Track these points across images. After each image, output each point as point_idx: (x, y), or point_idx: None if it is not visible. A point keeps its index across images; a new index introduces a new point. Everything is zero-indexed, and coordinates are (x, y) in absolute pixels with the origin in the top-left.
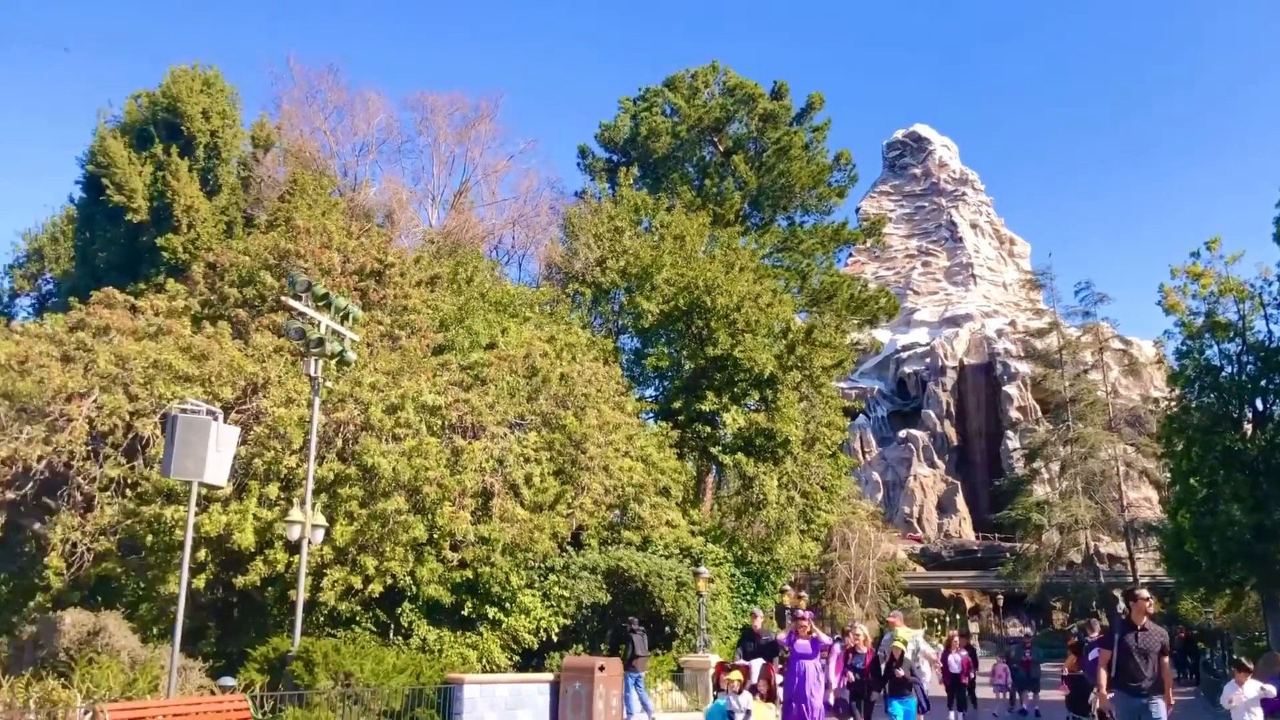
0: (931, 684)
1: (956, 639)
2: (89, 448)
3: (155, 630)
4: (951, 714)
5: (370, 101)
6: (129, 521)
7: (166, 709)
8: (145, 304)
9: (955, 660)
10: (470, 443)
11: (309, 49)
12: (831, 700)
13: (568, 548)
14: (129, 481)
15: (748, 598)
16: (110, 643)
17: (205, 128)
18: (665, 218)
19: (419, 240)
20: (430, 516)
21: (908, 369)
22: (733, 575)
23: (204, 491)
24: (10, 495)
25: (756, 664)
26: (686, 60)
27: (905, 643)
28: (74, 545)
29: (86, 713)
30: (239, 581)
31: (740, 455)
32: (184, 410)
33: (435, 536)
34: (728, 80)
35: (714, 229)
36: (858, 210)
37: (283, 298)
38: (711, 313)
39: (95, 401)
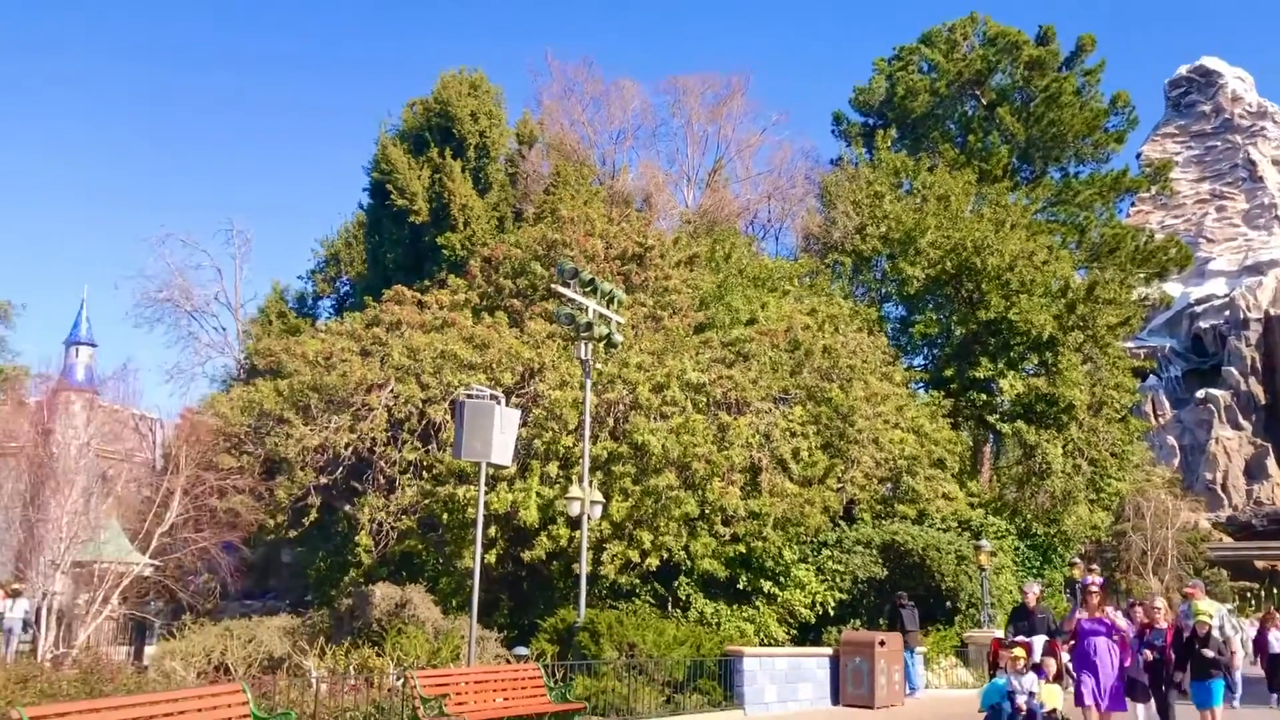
0: (1241, 664)
1: (1277, 615)
2: (388, 434)
3: (454, 603)
4: (1274, 698)
5: (624, 89)
6: (426, 501)
7: (468, 677)
8: (430, 299)
9: (1277, 638)
10: (735, 418)
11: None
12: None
13: (840, 522)
14: (425, 464)
15: (1032, 571)
16: (415, 614)
17: (474, 129)
18: (927, 178)
19: (676, 221)
20: (701, 492)
21: (1203, 324)
22: (1016, 549)
23: (491, 471)
24: (323, 479)
25: (1038, 641)
26: (941, 15)
27: (1210, 616)
28: (379, 524)
29: (398, 679)
30: (526, 556)
31: (1020, 423)
32: (470, 396)
33: (707, 511)
34: (987, 30)
35: (980, 186)
36: (1138, 156)
37: (552, 286)
38: (981, 274)
39: (391, 391)
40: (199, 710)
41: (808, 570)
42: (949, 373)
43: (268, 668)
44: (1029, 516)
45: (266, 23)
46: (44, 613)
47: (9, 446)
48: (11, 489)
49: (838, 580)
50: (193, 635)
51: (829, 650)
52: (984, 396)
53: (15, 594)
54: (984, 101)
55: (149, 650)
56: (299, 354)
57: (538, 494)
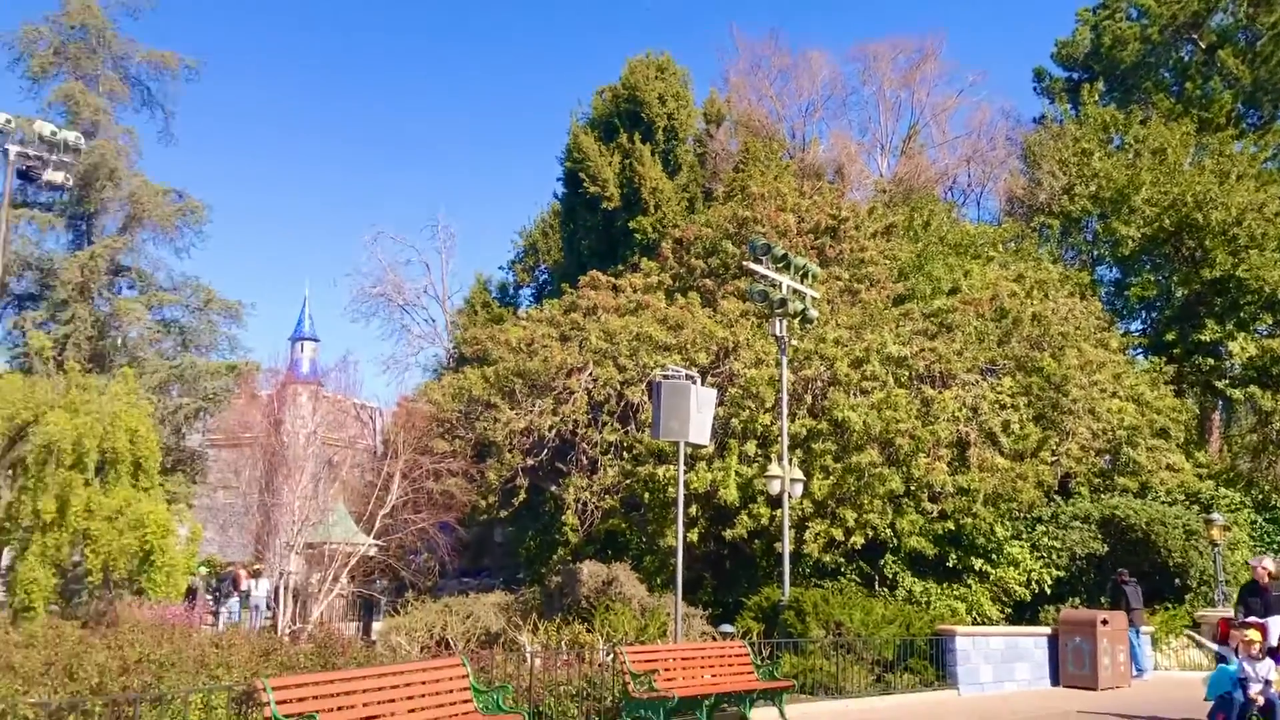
0: None
1: None
2: (589, 416)
3: (659, 580)
4: None
5: (812, 60)
6: (627, 481)
7: (675, 653)
8: (624, 282)
9: None
10: (940, 392)
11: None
12: None
13: (1055, 497)
14: (625, 444)
15: (1274, 547)
16: (621, 591)
17: (662, 112)
18: (1139, 132)
19: (870, 191)
20: (905, 468)
21: None
22: (1252, 522)
23: (690, 451)
24: (530, 461)
25: (1275, 622)
26: None
27: None
28: (584, 504)
29: (608, 654)
30: (728, 535)
31: (1253, 388)
32: (666, 376)
33: (912, 488)
34: None
35: (1200, 137)
36: None
37: (744, 263)
38: (1204, 230)
39: (590, 374)
40: (422, 683)
41: (1021, 547)
42: (1170, 337)
43: (484, 642)
44: (1266, 488)
45: (462, 20)
46: (281, 591)
47: (244, 437)
48: (249, 476)
49: (1054, 557)
50: (415, 611)
51: (1047, 629)
52: (1210, 361)
53: (257, 574)
54: (1202, 45)
55: (376, 625)
56: (503, 341)
57: (737, 473)
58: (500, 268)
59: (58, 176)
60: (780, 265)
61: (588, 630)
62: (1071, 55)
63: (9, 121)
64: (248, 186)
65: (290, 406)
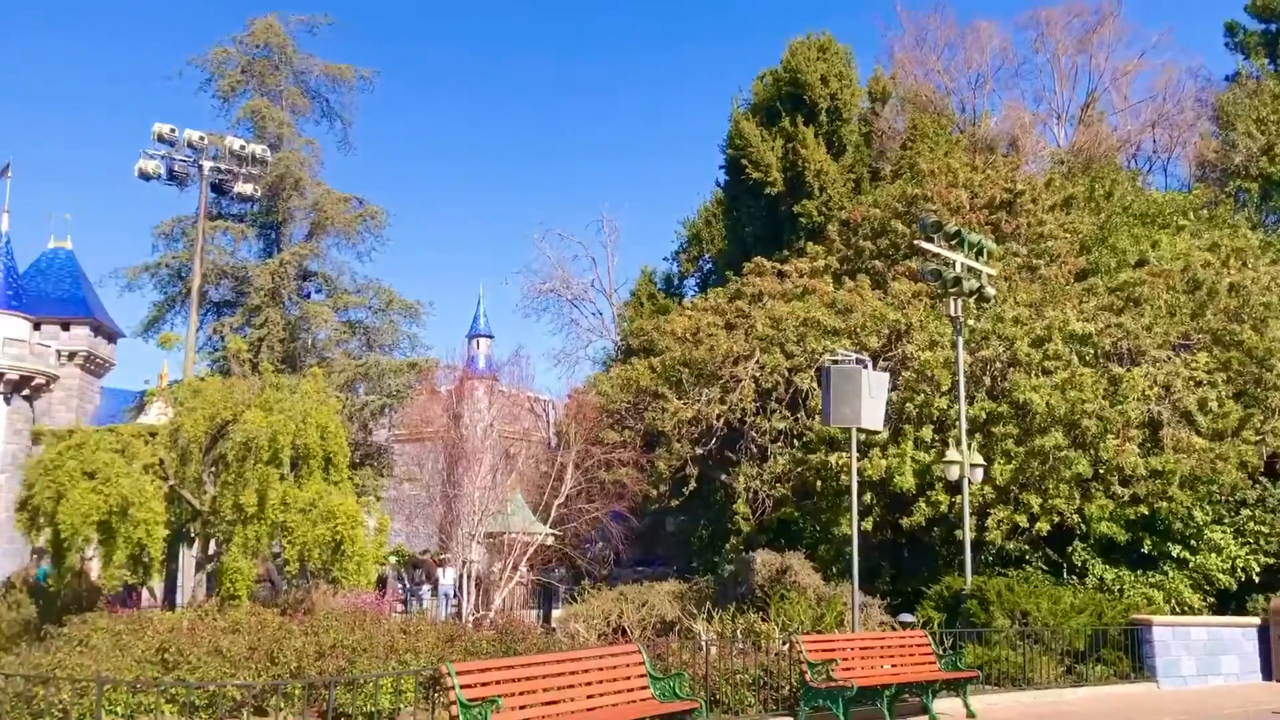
0: None
1: None
2: (757, 404)
3: (834, 569)
4: None
5: (980, 31)
6: (798, 469)
7: (853, 642)
8: (790, 268)
9: None
10: (1128, 370)
11: None
12: None
13: (1260, 479)
14: (794, 432)
15: None
16: (796, 580)
17: (824, 93)
18: None
19: (1046, 163)
20: (1093, 451)
21: None
22: None
23: (862, 437)
24: (698, 450)
25: None
26: None
27: None
28: (754, 493)
29: (784, 643)
30: (905, 523)
31: None
32: (835, 361)
33: (1101, 471)
34: None
35: None
36: None
37: (915, 242)
38: None
39: (757, 361)
40: (600, 669)
41: (1224, 532)
42: None
43: (659, 630)
44: None
45: (622, 16)
46: (465, 579)
47: (426, 431)
48: (432, 468)
49: (1261, 543)
50: (592, 599)
51: (1256, 620)
52: None
53: (443, 563)
54: None
55: (555, 613)
56: (668, 332)
57: (912, 459)
58: (664, 259)
59: (247, 188)
60: (953, 243)
61: (763, 619)
62: (1268, 6)
63: (203, 139)
64: (422, 190)
65: (468, 401)
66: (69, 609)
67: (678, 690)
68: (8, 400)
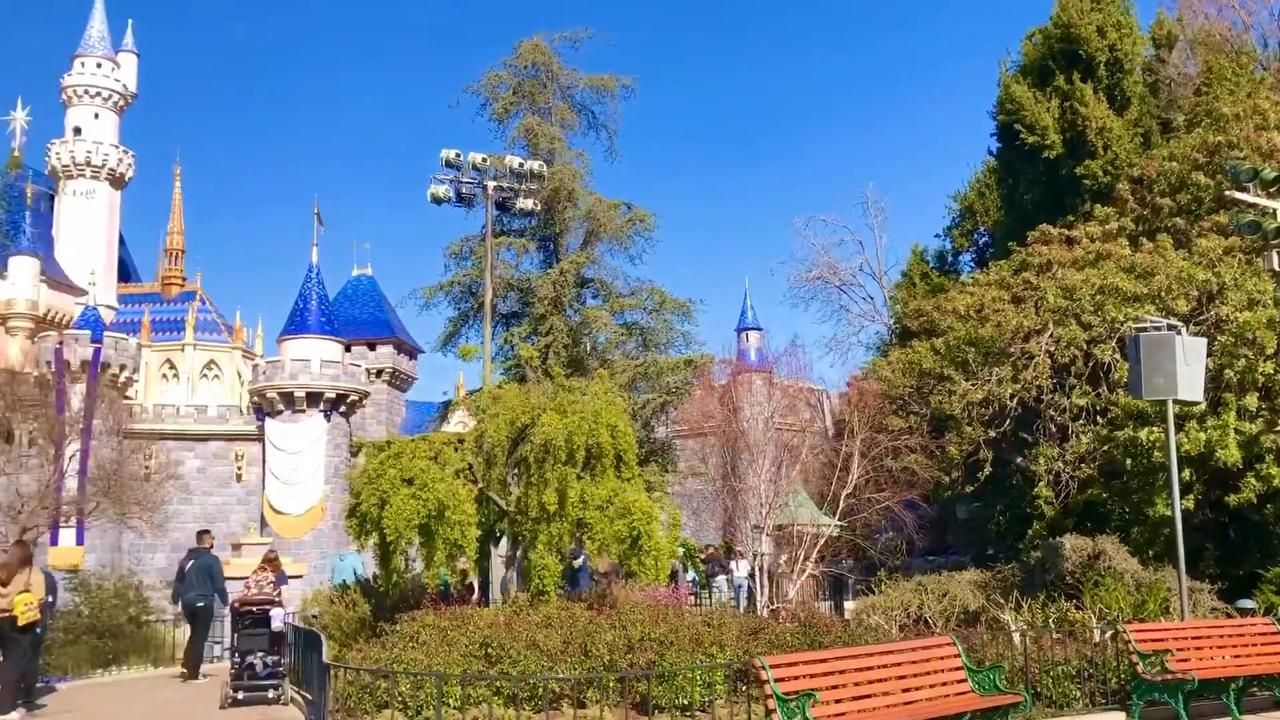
0: None
1: None
2: (1053, 380)
3: (1150, 553)
4: None
5: None
6: (1104, 447)
7: (1184, 631)
8: (1078, 233)
9: None
10: None
11: None
12: None
13: None
14: (1097, 408)
15: None
16: (1110, 565)
17: (1102, 45)
18: None
19: None
20: None
21: None
22: None
23: (1177, 409)
24: (991, 433)
25: None
26: None
27: None
28: (1056, 475)
29: (1104, 633)
30: (1231, 500)
31: None
32: (1142, 329)
33: None
34: None
35: None
36: None
37: (1224, 194)
38: None
39: (1051, 335)
40: (912, 662)
41: None
42: None
43: (963, 621)
44: None
45: None
46: (758, 572)
47: (707, 425)
48: (714, 463)
49: None
50: (888, 590)
51: None
52: None
53: (736, 556)
54: None
55: (847, 605)
56: (949, 310)
57: (1236, 430)
58: (936, 236)
59: (528, 203)
60: (1273, 189)
61: (1076, 608)
62: None
63: (485, 160)
64: (684, 190)
65: (745, 394)
66: (398, 607)
67: (997, 683)
68: (328, 417)
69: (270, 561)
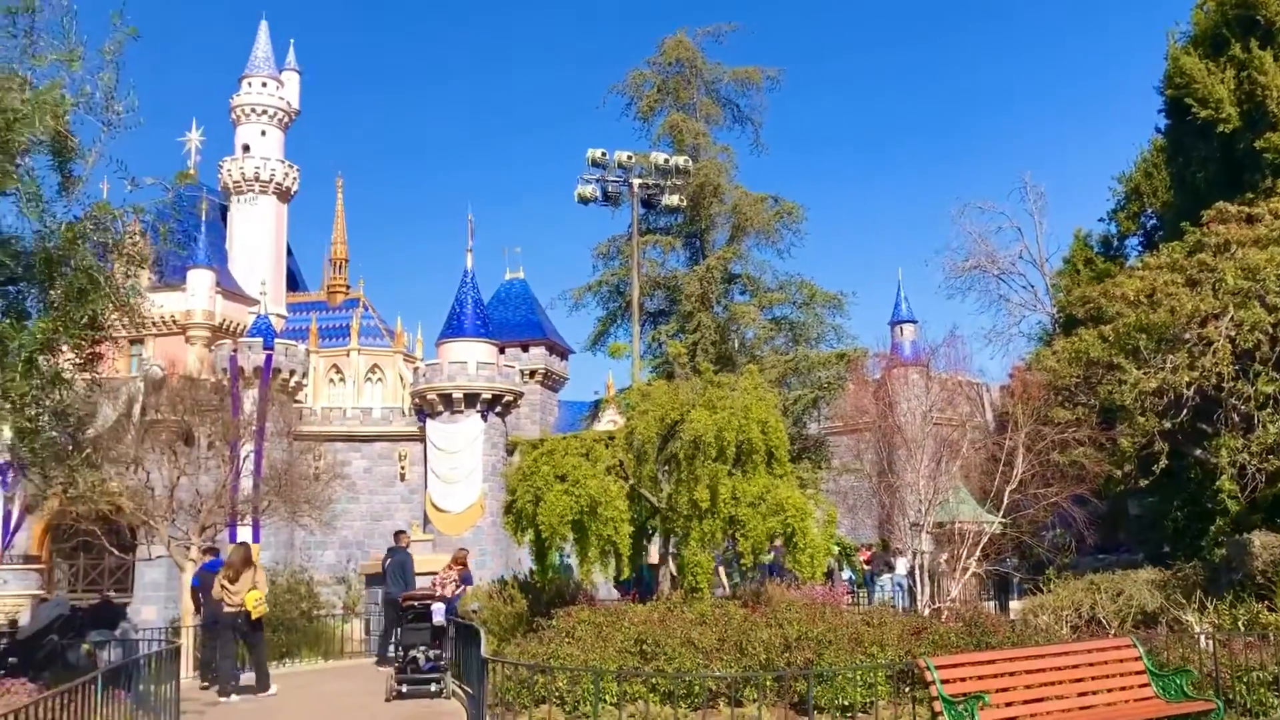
0: None
1: None
2: (1234, 367)
3: None
4: None
5: None
6: None
7: None
8: (1260, 209)
9: None
10: None
11: None
12: None
13: None
14: None
15: None
16: None
17: None
18: None
19: None
20: None
21: None
22: None
23: None
24: (1166, 424)
25: None
26: None
27: None
28: (1241, 467)
29: None
30: None
31: None
32: None
33: None
34: None
35: None
36: None
37: None
38: None
39: (1231, 319)
40: (1089, 664)
41: None
42: None
43: (1140, 622)
44: None
45: None
46: (917, 570)
47: (861, 421)
48: (870, 459)
49: None
50: (1058, 589)
51: None
52: None
53: (897, 553)
54: None
55: (1013, 604)
56: (1118, 296)
57: None
58: (1100, 220)
59: (673, 200)
60: None
61: (1269, 609)
62: None
63: (630, 158)
64: (832, 181)
65: (900, 388)
66: (554, 602)
67: (1184, 688)
68: (485, 417)
69: (458, 560)
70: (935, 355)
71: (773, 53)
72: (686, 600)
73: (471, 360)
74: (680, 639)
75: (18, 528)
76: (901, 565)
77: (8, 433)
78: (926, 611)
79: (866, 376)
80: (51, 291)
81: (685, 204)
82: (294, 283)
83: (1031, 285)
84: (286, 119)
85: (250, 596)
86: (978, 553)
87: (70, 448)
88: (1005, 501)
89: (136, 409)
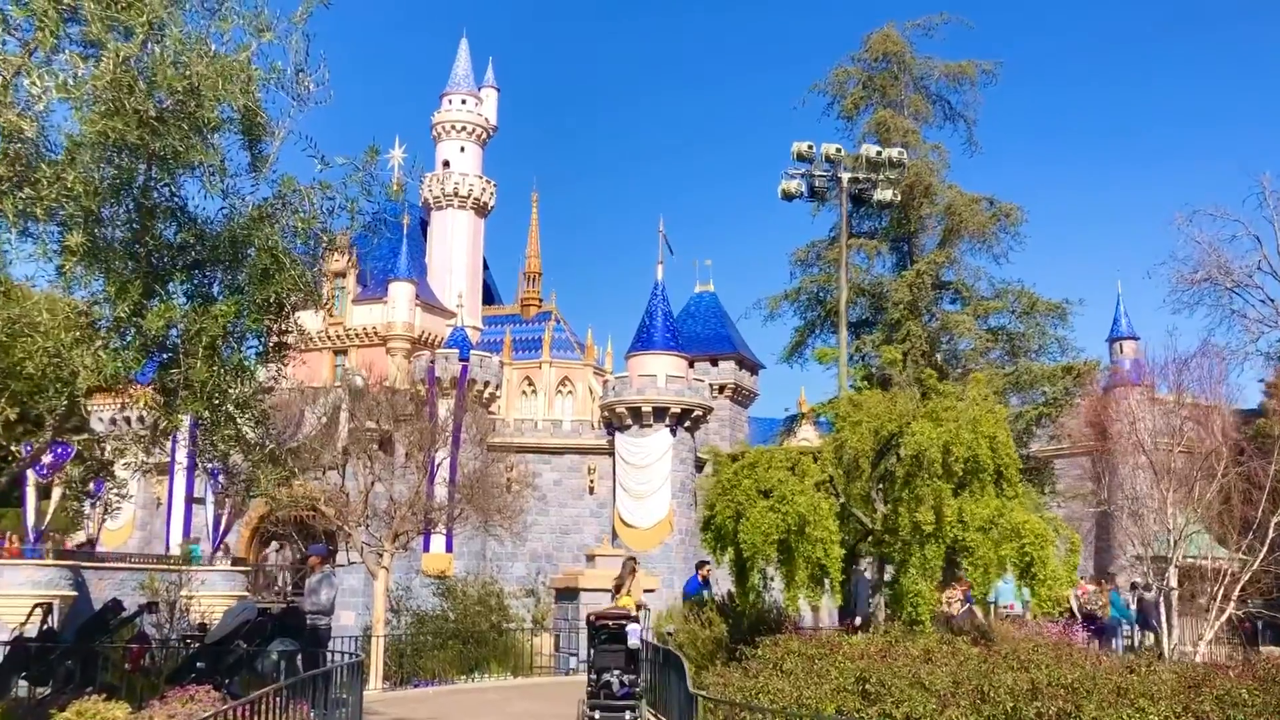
0: None
1: None
2: None
3: None
4: None
5: None
6: None
7: None
8: None
9: None
10: None
11: None
12: None
13: None
14: None
15: None
16: None
17: None
18: None
19: None
20: None
21: None
22: None
23: None
24: None
25: None
26: None
27: None
28: None
29: None
30: None
31: None
32: None
33: None
34: None
35: None
36: None
37: None
38: None
39: None
40: None
41: None
42: None
43: None
44: None
45: None
46: (1160, 609)
47: (1089, 442)
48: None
49: None
50: None
51: None
52: None
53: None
54: None
55: (1264, 650)
56: None
57: None
58: None
59: (886, 194)
60: None
61: None
62: None
63: (838, 150)
64: (1048, 185)
65: (1138, 407)
66: (756, 628)
67: None
68: (673, 431)
69: (632, 574)
70: (1164, 373)
71: (990, 48)
72: (906, 633)
73: (660, 373)
74: (908, 679)
75: (228, 530)
76: (1147, 603)
77: (187, 424)
78: (1177, 656)
79: (1097, 392)
80: (237, 275)
81: (897, 198)
82: (489, 296)
83: (1271, 299)
84: (485, 135)
85: (625, 601)
86: (1236, 591)
87: (279, 454)
88: (1271, 535)
89: (343, 416)
